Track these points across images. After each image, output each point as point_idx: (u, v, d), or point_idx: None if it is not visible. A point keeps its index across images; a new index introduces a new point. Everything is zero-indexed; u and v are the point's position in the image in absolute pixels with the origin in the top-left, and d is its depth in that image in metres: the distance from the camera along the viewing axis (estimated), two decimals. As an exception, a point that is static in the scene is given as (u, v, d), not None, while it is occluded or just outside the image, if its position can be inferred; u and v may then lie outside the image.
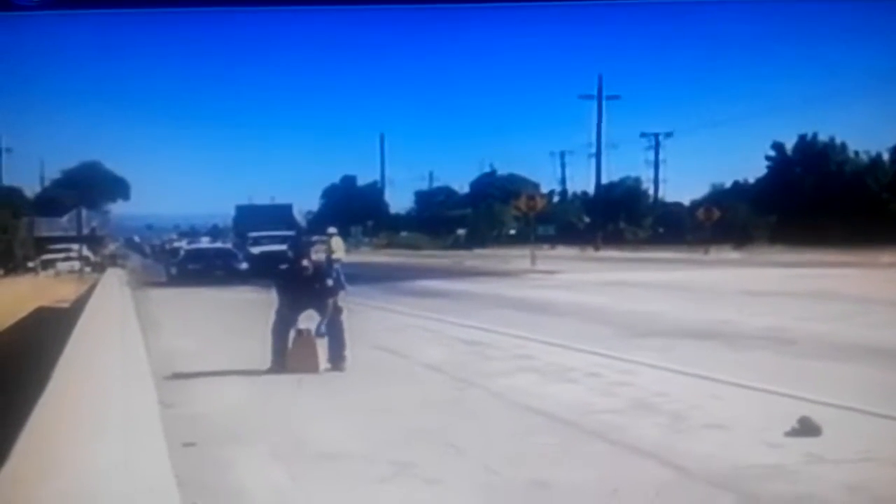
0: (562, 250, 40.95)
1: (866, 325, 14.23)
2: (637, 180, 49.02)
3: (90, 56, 44.07)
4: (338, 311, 11.15)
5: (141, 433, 6.55)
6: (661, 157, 46.72)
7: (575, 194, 51.14)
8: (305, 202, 50.65)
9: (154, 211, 50.70)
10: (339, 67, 51.49)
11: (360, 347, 11.49)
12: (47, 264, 39.76)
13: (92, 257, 41.01)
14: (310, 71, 52.97)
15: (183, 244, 41.78)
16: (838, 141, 43.66)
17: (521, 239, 40.11)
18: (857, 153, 43.73)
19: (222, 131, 55.25)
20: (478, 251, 43.86)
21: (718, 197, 44.85)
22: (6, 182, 44.44)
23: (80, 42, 39.22)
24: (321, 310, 11.02)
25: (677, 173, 50.00)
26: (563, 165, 50.42)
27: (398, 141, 51.76)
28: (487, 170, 51.94)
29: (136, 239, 54.48)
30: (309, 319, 11.11)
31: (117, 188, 48.05)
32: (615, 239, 45.04)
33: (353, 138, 56.79)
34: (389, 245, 48.71)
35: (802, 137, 44.13)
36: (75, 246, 39.80)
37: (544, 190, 46.48)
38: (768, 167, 45.16)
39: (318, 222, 40.58)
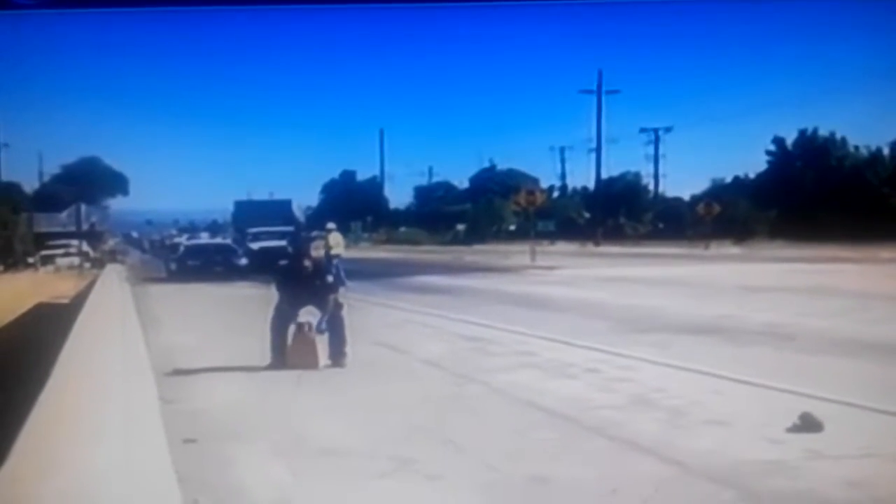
0: (562, 246, 40.94)
1: (867, 320, 14.22)
2: (637, 175, 49.04)
3: (90, 52, 44.08)
4: (338, 307, 11.14)
5: (141, 430, 6.55)
6: (661, 152, 46.73)
7: (575, 189, 51.16)
8: (305, 198, 50.68)
9: (153, 206, 50.71)
10: (338, 63, 51.48)
11: (361, 343, 11.48)
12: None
13: (91, 253, 41.00)
14: (309, 66, 53.03)
15: (182, 240, 41.78)
16: (838, 136, 43.67)
17: (521, 234, 40.07)
18: (857, 148, 43.75)
19: (221, 127, 55.24)
20: (477, 247, 43.82)
21: (718, 192, 44.83)
22: (5, 177, 44.42)
23: (80, 39, 39.22)
24: (322, 306, 11.01)
25: (677, 168, 50.14)
26: (562, 161, 50.44)
27: (397, 136, 51.80)
28: (487, 165, 51.96)
29: (134, 234, 54.48)
30: (307, 314, 11.10)
31: (117, 184, 48.04)
32: (615, 234, 45.04)
33: (352, 134, 56.83)
34: (389, 240, 48.69)
35: (803, 132, 44.13)
36: (75, 242, 39.77)
37: (544, 185, 46.45)
38: (768, 162, 45.16)
39: (318, 218, 40.59)
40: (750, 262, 30.17)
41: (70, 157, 47.08)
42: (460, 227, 49.58)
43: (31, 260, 40.23)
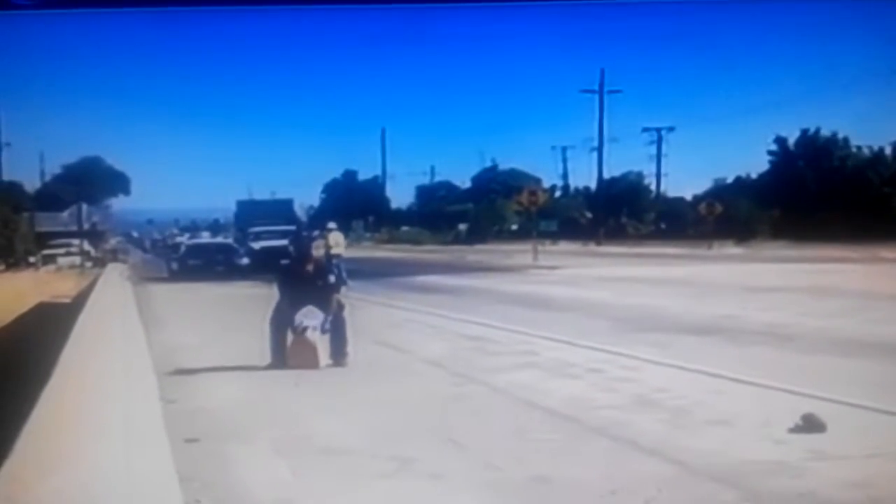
0: (564, 246, 40.96)
1: (869, 320, 14.21)
2: (639, 175, 49.11)
3: (92, 52, 44.13)
4: (340, 306, 11.12)
5: (143, 429, 6.54)
6: (663, 151, 46.80)
7: (577, 189, 51.23)
8: (306, 197, 50.76)
9: (155, 206, 50.80)
10: (340, 63, 51.56)
11: (362, 343, 11.46)
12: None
13: (93, 252, 41.06)
14: (311, 66, 53.06)
15: (183, 239, 41.82)
16: (840, 136, 43.71)
17: (523, 234, 40.11)
18: (859, 148, 43.79)
19: (223, 127, 55.37)
20: (479, 246, 43.83)
21: (720, 192, 44.87)
22: (7, 177, 44.50)
23: (82, 39, 39.23)
24: (324, 306, 10.98)
25: (679, 168, 50.17)
26: (564, 160, 50.49)
27: (399, 136, 51.86)
28: (489, 165, 52.05)
29: (135, 234, 54.53)
30: (306, 314, 11.06)
31: (118, 183, 48.11)
32: (617, 234, 45.08)
33: (354, 133, 56.93)
34: (390, 240, 48.72)
35: (805, 132, 44.15)
36: (76, 241, 39.86)
37: (546, 185, 46.54)
38: (770, 162, 45.19)
39: (319, 217, 40.60)
40: (752, 262, 30.15)
41: (71, 157, 47.20)
42: (462, 226, 49.63)
43: (32, 259, 40.29)
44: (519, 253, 34.39)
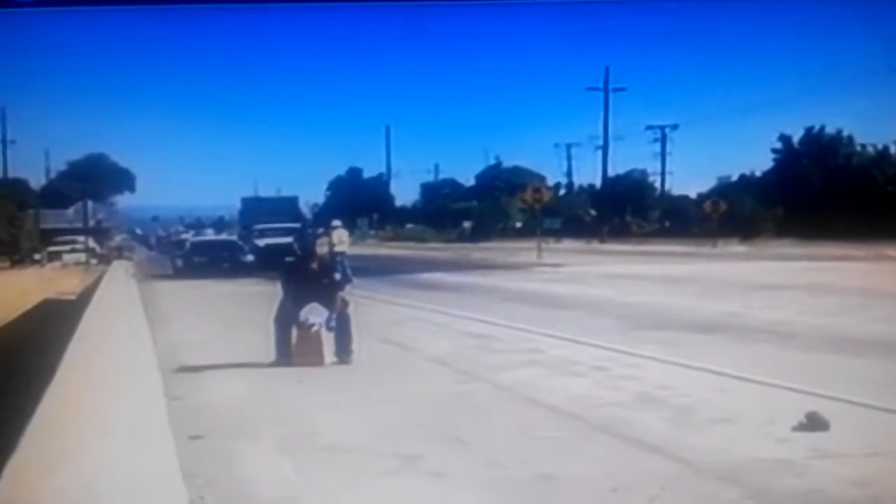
0: (568, 243, 40.91)
1: (873, 318, 14.19)
2: (643, 173, 49.03)
3: (97, 50, 44.17)
4: (345, 304, 11.14)
5: (147, 426, 6.55)
6: (667, 149, 46.70)
7: (581, 187, 51.16)
8: (311, 194, 50.75)
9: (160, 203, 50.85)
10: (344, 60, 51.52)
11: (367, 340, 11.47)
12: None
13: (98, 249, 41.10)
14: (315, 64, 53.06)
15: (188, 236, 41.87)
16: (845, 133, 43.60)
17: (527, 232, 40.09)
18: (863, 146, 43.66)
19: (228, 124, 55.44)
20: (483, 244, 43.81)
21: (725, 190, 44.80)
22: (12, 174, 44.61)
23: (87, 36, 39.29)
24: (328, 304, 10.99)
25: (684, 166, 50.05)
26: (569, 158, 50.41)
27: (404, 133, 51.85)
28: (493, 162, 51.97)
29: (139, 231, 54.56)
30: (310, 311, 11.06)
31: (123, 180, 48.16)
32: (621, 232, 45.02)
33: (358, 131, 56.85)
34: (395, 238, 48.73)
35: (809, 130, 44.05)
36: (81, 238, 39.87)
37: (550, 182, 46.46)
38: (775, 160, 45.08)
39: (324, 215, 40.62)
40: (756, 260, 30.10)
41: (77, 154, 47.27)
42: (466, 224, 49.61)
43: (37, 256, 40.35)
44: (523, 250, 34.37)
